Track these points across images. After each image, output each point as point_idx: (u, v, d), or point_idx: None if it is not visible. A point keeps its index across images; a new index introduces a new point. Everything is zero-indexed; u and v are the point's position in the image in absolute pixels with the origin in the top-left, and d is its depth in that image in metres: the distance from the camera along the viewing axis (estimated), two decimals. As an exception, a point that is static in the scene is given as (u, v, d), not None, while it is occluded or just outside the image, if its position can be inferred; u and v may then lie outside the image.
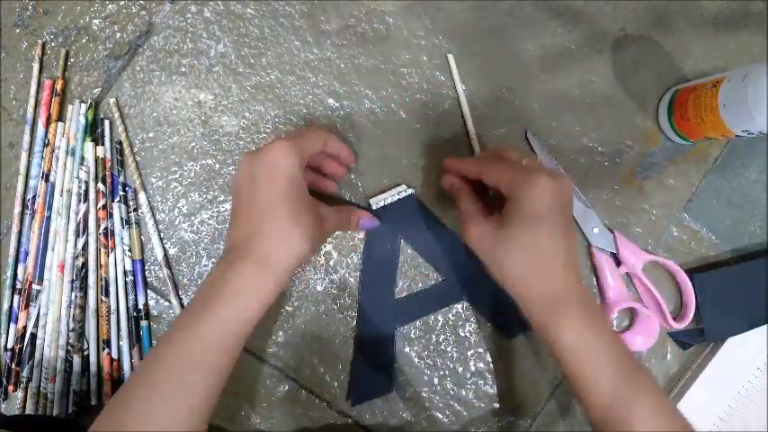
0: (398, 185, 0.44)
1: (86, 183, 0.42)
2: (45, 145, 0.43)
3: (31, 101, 0.43)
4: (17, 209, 0.43)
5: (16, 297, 0.42)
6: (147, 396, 0.31)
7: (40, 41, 0.44)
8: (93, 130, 0.43)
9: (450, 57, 0.45)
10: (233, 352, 0.33)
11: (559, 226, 0.34)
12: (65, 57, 0.44)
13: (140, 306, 0.43)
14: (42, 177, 0.43)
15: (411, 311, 0.44)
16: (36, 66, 0.44)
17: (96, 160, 0.43)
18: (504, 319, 0.44)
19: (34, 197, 0.43)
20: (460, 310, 0.44)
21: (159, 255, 0.43)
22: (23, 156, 0.43)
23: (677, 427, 0.32)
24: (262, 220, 0.34)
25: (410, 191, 0.44)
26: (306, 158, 0.36)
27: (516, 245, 0.34)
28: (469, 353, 0.44)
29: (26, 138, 0.43)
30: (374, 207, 0.43)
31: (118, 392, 0.32)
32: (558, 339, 0.33)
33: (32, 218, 0.43)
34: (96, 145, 0.43)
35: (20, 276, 0.42)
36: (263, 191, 0.34)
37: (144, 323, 0.43)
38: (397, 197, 0.43)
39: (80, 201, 0.42)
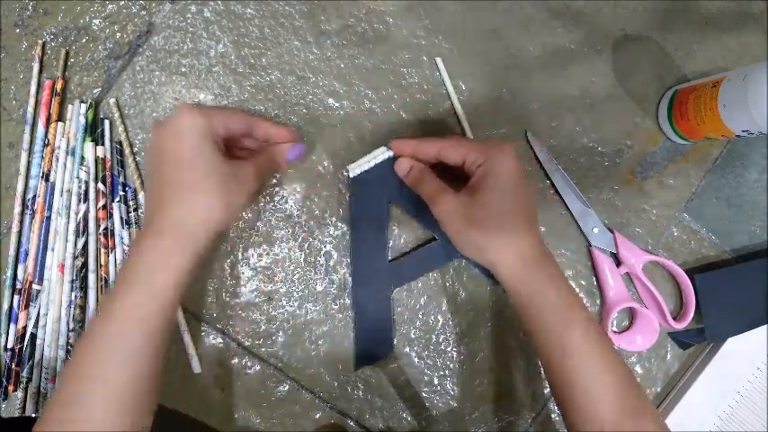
0: (377, 149, 0.42)
1: (86, 183, 0.42)
2: (45, 145, 0.43)
3: (31, 101, 0.43)
4: (17, 209, 0.43)
5: (16, 297, 0.42)
6: (66, 397, 0.31)
7: (40, 41, 0.44)
8: (93, 130, 0.43)
9: (439, 60, 0.45)
10: (154, 332, 0.33)
11: (527, 188, 0.37)
12: (65, 57, 0.44)
13: (140, 306, 0.43)
14: (42, 177, 0.43)
15: (406, 273, 0.44)
16: (36, 66, 0.44)
17: (96, 160, 0.43)
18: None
19: (34, 197, 0.43)
20: (460, 304, 0.44)
21: (159, 255, 0.43)
22: (23, 156, 0.43)
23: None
24: (167, 186, 0.34)
25: (389, 153, 0.41)
26: (218, 127, 0.35)
27: (493, 208, 0.35)
28: (469, 352, 0.44)
29: (26, 138, 0.43)
30: (352, 175, 0.42)
31: (52, 396, 0.33)
32: (542, 295, 0.35)
33: (32, 218, 0.43)
34: (96, 145, 0.43)
35: (20, 276, 0.42)
36: (167, 158, 0.34)
37: (144, 323, 0.43)
38: (374, 162, 0.41)
39: (80, 201, 0.42)
